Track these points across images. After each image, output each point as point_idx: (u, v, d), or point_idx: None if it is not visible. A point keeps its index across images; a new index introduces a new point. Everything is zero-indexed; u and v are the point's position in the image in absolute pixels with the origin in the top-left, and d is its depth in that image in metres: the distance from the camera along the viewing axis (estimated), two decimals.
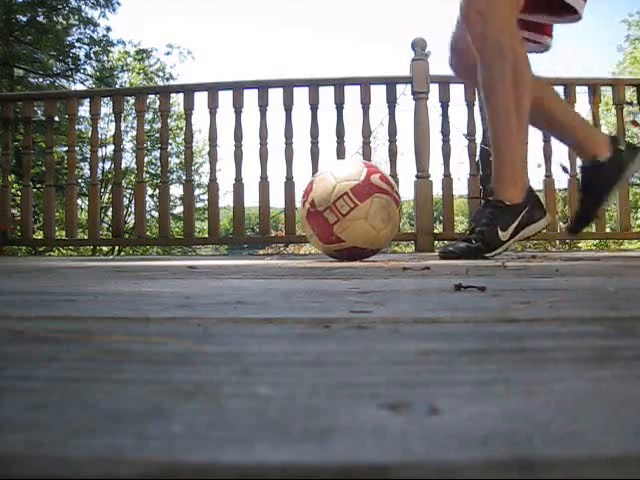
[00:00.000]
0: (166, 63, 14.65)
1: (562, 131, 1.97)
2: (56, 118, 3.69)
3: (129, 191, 8.45)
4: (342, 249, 1.68)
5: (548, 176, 3.06)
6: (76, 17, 12.38)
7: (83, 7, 12.33)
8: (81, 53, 12.63)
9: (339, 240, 1.66)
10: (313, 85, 3.04)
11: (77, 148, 3.47)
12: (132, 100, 3.69)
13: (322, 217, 1.65)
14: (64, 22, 12.22)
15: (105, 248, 9.71)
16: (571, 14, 1.81)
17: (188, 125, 3.20)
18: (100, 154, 8.57)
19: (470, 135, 3.02)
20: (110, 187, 8.44)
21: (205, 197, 7.62)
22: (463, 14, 1.73)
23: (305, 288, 0.84)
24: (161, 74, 14.53)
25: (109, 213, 8.98)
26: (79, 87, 12.48)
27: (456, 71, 2.01)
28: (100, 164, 10.07)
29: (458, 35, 1.87)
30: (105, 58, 13.24)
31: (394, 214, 1.70)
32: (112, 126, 5.58)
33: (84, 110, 6.08)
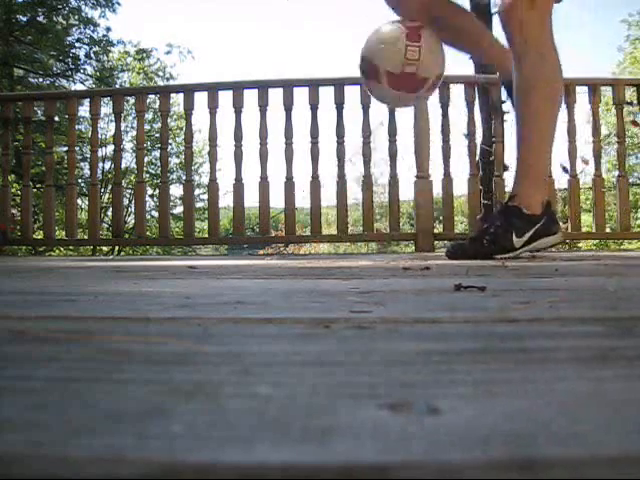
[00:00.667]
0: (166, 63, 14.64)
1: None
2: (56, 118, 3.68)
3: (129, 191, 8.43)
4: (430, 87, 1.85)
5: (548, 176, 3.06)
6: (76, 17, 12.37)
7: (83, 7, 12.34)
8: (81, 53, 12.63)
9: (424, 80, 1.81)
10: (313, 85, 3.03)
11: (77, 148, 3.46)
12: (132, 100, 3.68)
13: (404, 74, 1.78)
14: (64, 22, 12.20)
15: (105, 248, 9.71)
16: None
17: (188, 125, 3.20)
18: (100, 154, 8.56)
19: (470, 135, 3.02)
20: (110, 187, 8.42)
21: (205, 197, 7.60)
22: (502, 13, 1.67)
23: (305, 288, 0.84)
24: (161, 74, 14.53)
25: (109, 213, 8.96)
26: (79, 87, 12.48)
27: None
28: (100, 164, 10.06)
29: None
30: (105, 58, 13.23)
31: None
32: (112, 126, 5.57)
33: (84, 110, 6.07)
